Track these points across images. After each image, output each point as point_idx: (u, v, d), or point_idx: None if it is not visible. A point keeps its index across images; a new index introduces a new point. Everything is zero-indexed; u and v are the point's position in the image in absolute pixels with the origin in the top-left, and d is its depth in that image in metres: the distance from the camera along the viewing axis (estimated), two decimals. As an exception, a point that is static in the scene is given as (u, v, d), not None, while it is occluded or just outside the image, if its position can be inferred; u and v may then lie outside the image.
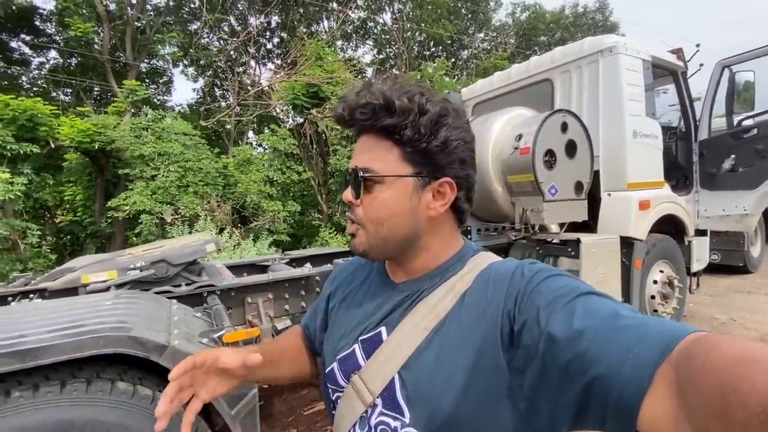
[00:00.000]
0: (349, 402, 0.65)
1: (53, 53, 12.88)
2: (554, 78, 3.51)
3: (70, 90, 12.60)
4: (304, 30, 13.88)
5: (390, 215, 0.63)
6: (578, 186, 2.75)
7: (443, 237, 0.68)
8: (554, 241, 2.95)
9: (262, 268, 2.95)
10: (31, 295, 1.95)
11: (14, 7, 11.01)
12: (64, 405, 1.15)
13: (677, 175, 4.06)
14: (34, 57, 12.77)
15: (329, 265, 2.51)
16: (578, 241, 2.63)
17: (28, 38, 12.10)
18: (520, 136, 2.59)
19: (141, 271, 1.83)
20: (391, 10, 16.91)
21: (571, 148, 2.69)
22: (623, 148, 3.09)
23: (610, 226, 3.08)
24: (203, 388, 0.65)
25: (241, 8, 13.98)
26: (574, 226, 3.09)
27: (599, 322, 0.45)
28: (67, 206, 10.33)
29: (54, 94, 12.49)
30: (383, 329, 0.65)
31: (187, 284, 2.01)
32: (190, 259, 2.00)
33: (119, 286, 1.88)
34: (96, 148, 8.69)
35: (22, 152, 7.75)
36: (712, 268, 5.65)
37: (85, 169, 10.07)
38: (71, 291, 1.85)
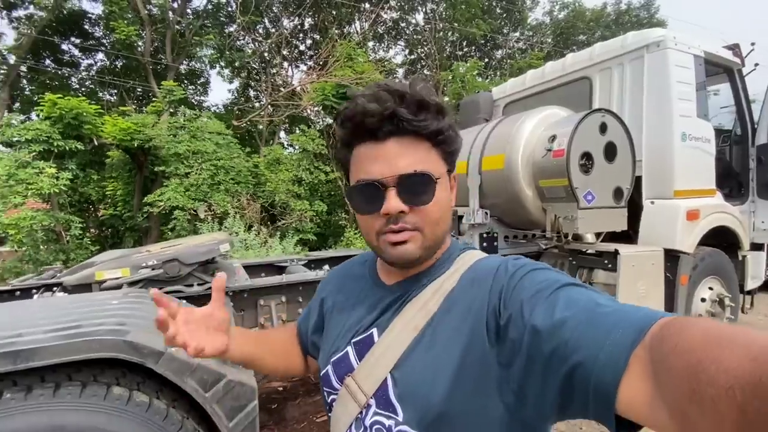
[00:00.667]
0: (343, 404, 0.65)
1: (100, 55, 13.61)
2: (593, 76, 3.28)
3: (115, 90, 13.27)
4: (337, 31, 13.97)
5: (444, 213, 0.64)
6: (617, 192, 2.53)
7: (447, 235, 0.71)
8: (589, 251, 2.73)
9: (281, 269, 2.90)
10: (55, 288, 1.97)
11: (65, 11, 11.68)
12: (56, 409, 1.10)
13: (731, 182, 3.70)
14: (83, 59, 13.53)
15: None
16: (616, 252, 2.41)
17: (77, 41, 12.81)
18: (553, 137, 2.40)
19: (153, 269, 1.80)
20: (423, 10, 16.77)
21: (610, 151, 2.47)
22: (671, 152, 2.82)
23: (653, 237, 2.82)
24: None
25: (275, 11, 14.24)
26: (612, 237, 2.85)
27: (579, 312, 0.46)
28: (109, 201, 10.85)
29: (100, 94, 13.18)
30: (375, 331, 0.66)
31: (199, 284, 1.97)
32: (203, 259, 1.96)
33: (132, 283, 1.86)
34: (135, 145, 9.06)
35: (67, 149, 8.18)
36: (769, 286, 5.14)
37: (126, 165, 10.55)
38: (86, 287, 1.85)
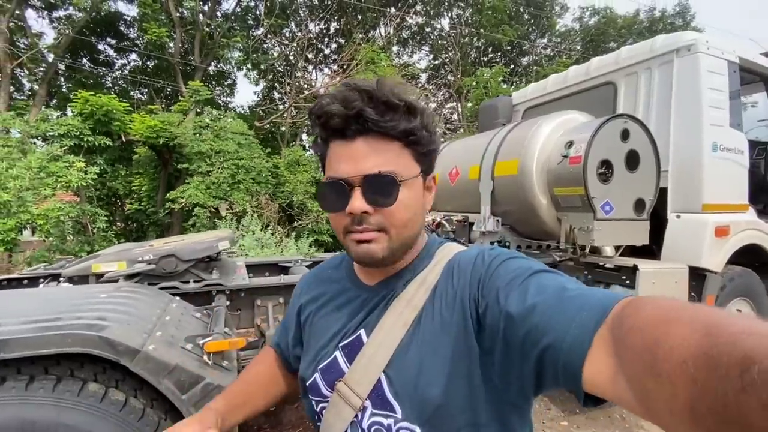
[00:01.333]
0: (336, 410, 0.64)
1: (133, 55, 14.13)
2: (618, 81, 3.12)
3: (146, 89, 13.74)
4: (361, 36, 14.05)
5: (412, 215, 0.63)
6: (639, 204, 2.37)
7: (421, 232, 0.70)
8: (607, 265, 2.57)
9: (285, 269, 2.87)
10: (62, 279, 1.99)
11: (102, 12, 12.19)
12: (27, 403, 1.08)
13: (765, 198, 3.45)
14: (117, 59, 14.08)
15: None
16: (635, 268, 2.25)
17: (112, 41, 13.34)
18: (570, 143, 2.27)
19: (148, 264, 1.79)
20: (449, 15, 16.68)
21: (632, 160, 2.32)
22: (700, 162, 2.64)
23: (678, 253, 2.64)
24: None
25: (302, 14, 14.45)
26: (633, 251, 2.68)
27: (548, 297, 0.48)
28: (135, 196, 11.19)
29: (132, 92, 13.68)
30: (362, 332, 0.66)
31: (195, 281, 1.94)
32: (200, 256, 1.94)
33: (130, 277, 1.85)
34: (161, 143, 9.33)
35: (97, 144, 8.48)
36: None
37: (151, 162, 10.88)
38: (84, 279, 1.85)
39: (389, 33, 14.66)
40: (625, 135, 2.29)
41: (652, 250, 2.75)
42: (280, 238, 8.17)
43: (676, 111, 2.73)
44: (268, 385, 0.83)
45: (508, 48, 16.34)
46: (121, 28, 13.39)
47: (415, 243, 0.68)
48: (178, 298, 1.75)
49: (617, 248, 2.68)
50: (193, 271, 1.97)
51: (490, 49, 16.71)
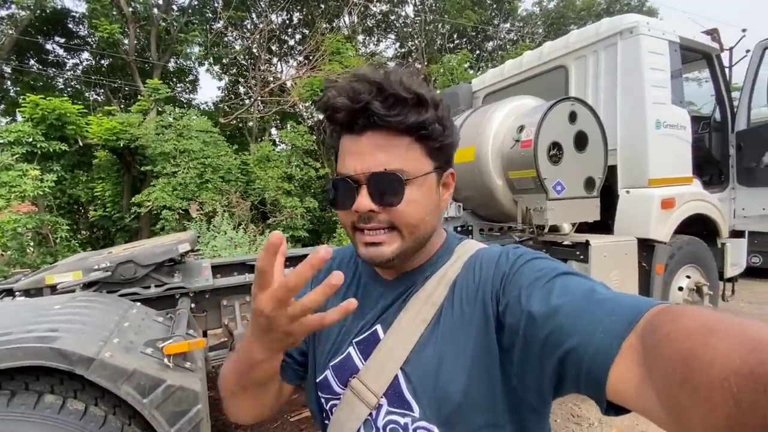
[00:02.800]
0: (349, 408, 0.62)
1: (86, 54, 13.42)
2: (569, 64, 3.23)
3: (102, 90, 13.11)
4: (326, 26, 13.81)
5: (425, 215, 0.61)
6: (589, 182, 2.50)
7: (438, 229, 0.68)
8: (564, 243, 2.70)
9: (252, 268, 2.86)
10: (17, 293, 1.93)
11: (48, 10, 11.50)
12: (-20, 420, 1.07)
13: (711, 170, 3.68)
14: (68, 59, 13.34)
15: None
16: (587, 243, 2.38)
17: (62, 40, 12.62)
18: (521, 128, 2.36)
19: (105, 272, 1.76)
20: (413, 2, 16.60)
21: (580, 141, 2.43)
22: (644, 140, 2.79)
23: (629, 226, 2.79)
24: None
25: (263, 5, 14.06)
26: (591, 227, 2.82)
27: (575, 299, 0.47)
28: (98, 202, 10.76)
29: (87, 94, 13.03)
30: (379, 327, 0.64)
31: (157, 286, 1.93)
32: (160, 260, 1.92)
33: (87, 286, 1.82)
34: (121, 145, 8.97)
35: (51, 150, 8.08)
36: (753, 272, 5.16)
37: (113, 166, 10.46)
38: (39, 291, 1.80)
39: (354, 22, 14.48)
40: (572, 117, 2.39)
41: (608, 225, 2.90)
42: (254, 236, 8.07)
43: (622, 91, 2.86)
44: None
45: (473, 33, 16.46)
46: (70, 26, 12.66)
47: (430, 240, 0.66)
48: (138, 303, 1.74)
49: (573, 225, 2.81)
50: (153, 275, 1.95)
51: (455, 36, 16.77)
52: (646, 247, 2.70)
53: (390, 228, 0.59)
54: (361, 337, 0.65)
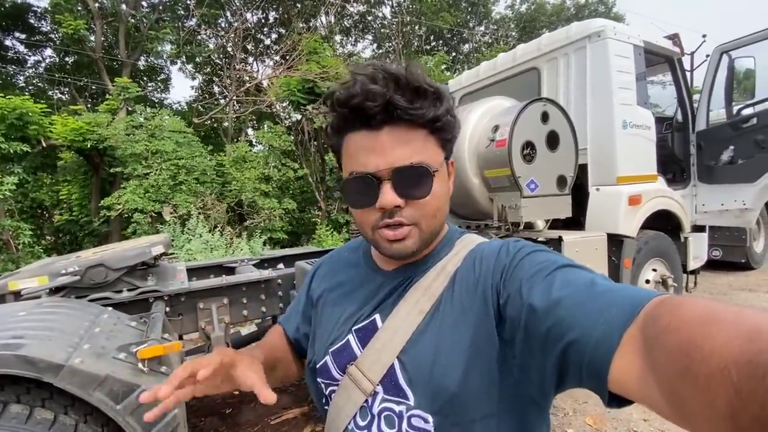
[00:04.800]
0: (346, 393, 0.63)
1: (49, 51, 12.84)
2: (541, 66, 3.33)
3: (66, 89, 12.57)
4: (302, 25, 13.69)
5: (442, 204, 0.63)
6: (561, 180, 2.58)
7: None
8: (538, 239, 2.78)
9: (230, 270, 2.82)
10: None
11: (7, 4, 10.94)
12: (-61, 434, 1.01)
13: (674, 168, 3.86)
14: (29, 56, 12.73)
15: (292, 268, 2.36)
16: (560, 239, 2.46)
17: (22, 36, 12.03)
18: (496, 128, 2.41)
19: (73, 276, 1.70)
20: (390, 3, 16.66)
21: (552, 140, 2.51)
22: (612, 139, 2.90)
23: (599, 222, 2.90)
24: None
25: (237, 3, 13.80)
26: (564, 223, 2.91)
27: (575, 291, 0.47)
28: (64, 205, 10.31)
29: (50, 92, 12.46)
30: (377, 316, 0.65)
31: (129, 290, 1.87)
32: (132, 263, 1.86)
33: (55, 291, 1.75)
34: (88, 146, 8.62)
35: (12, 151, 7.68)
36: (713, 265, 5.44)
37: (80, 167, 10.04)
38: (1, 298, 1.72)
39: (330, 22, 14.41)
40: (545, 117, 2.46)
41: (579, 221, 3.00)
42: (230, 239, 7.92)
43: (591, 92, 2.97)
44: (286, 359, 0.80)
45: (449, 36, 16.67)
46: (32, 21, 12.08)
47: (441, 230, 0.67)
48: (110, 308, 1.68)
49: (546, 222, 2.89)
50: (126, 279, 1.89)
51: (431, 37, 16.95)
52: (615, 242, 2.81)
53: (411, 223, 0.60)
54: (360, 325, 0.66)
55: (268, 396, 0.52)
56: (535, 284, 0.51)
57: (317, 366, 0.69)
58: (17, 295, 1.74)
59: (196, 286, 2.04)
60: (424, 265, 0.66)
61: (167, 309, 1.95)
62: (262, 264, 2.98)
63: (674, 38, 3.61)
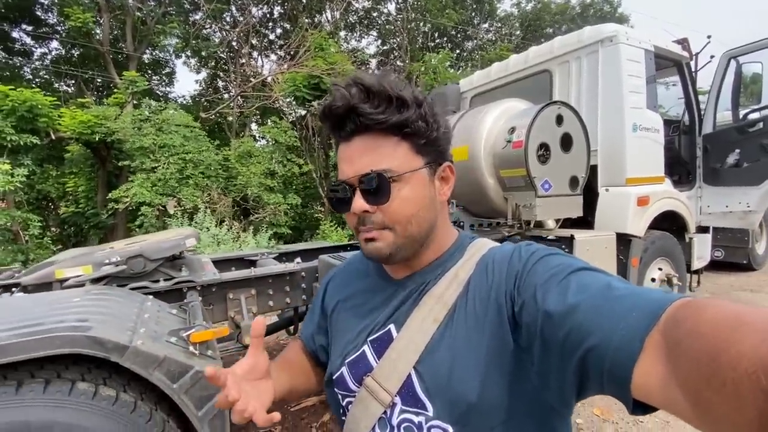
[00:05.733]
0: (363, 405, 0.63)
1: (55, 44, 12.87)
2: (553, 69, 3.41)
3: (73, 81, 12.60)
4: (307, 20, 13.71)
5: (416, 210, 0.62)
6: (573, 181, 2.67)
7: (446, 226, 0.70)
8: (549, 237, 2.87)
9: (251, 263, 2.91)
10: (14, 289, 1.92)
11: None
12: (20, 406, 1.11)
13: (680, 170, 3.95)
14: (35, 48, 12.76)
15: (315, 261, 2.46)
16: (572, 237, 2.55)
17: (29, 28, 12.06)
18: (513, 129, 2.50)
19: (116, 266, 1.79)
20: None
21: (566, 142, 2.60)
22: (622, 142, 2.99)
23: (608, 222, 2.99)
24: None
25: (243, -2, 13.81)
26: (573, 222, 3.01)
27: (592, 296, 0.46)
28: (70, 198, 10.38)
29: (56, 85, 12.50)
30: (392, 326, 0.65)
31: (165, 280, 1.97)
32: (168, 254, 1.96)
33: (96, 280, 1.84)
34: (97, 139, 8.70)
35: (22, 143, 7.76)
36: (716, 265, 5.54)
37: (87, 160, 10.10)
38: (47, 286, 1.81)
39: (336, 17, 14.43)
40: (559, 120, 2.55)
41: (587, 220, 3.09)
42: (237, 233, 8.01)
43: (603, 96, 3.06)
44: (302, 371, 0.80)
45: (454, 33, 16.69)
46: (38, 13, 12.09)
47: (433, 237, 0.67)
48: (151, 296, 1.78)
49: (558, 221, 2.98)
50: (161, 269, 1.98)
51: (436, 34, 16.96)
52: (624, 241, 2.90)
53: (382, 227, 0.62)
54: (376, 335, 0.66)
55: (262, 420, 0.55)
56: (550, 289, 0.50)
57: (333, 377, 0.70)
58: (61, 283, 1.84)
59: (227, 277, 2.13)
60: (435, 272, 0.66)
61: (199, 298, 2.05)
62: (280, 258, 3.07)
63: (683, 43, 3.69)
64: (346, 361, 0.68)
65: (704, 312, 0.35)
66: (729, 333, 0.31)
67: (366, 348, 0.66)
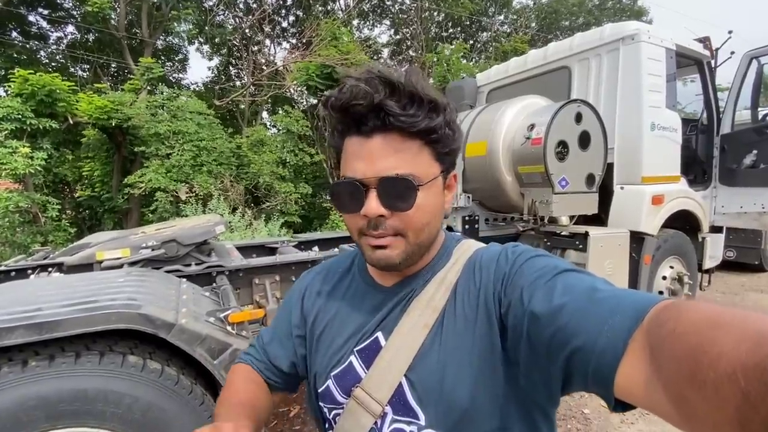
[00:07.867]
0: (353, 417, 0.61)
1: (71, 28, 12.97)
2: (572, 66, 3.41)
3: (88, 66, 12.73)
4: (320, 8, 13.65)
5: (431, 219, 0.61)
6: (590, 179, 2.71)
7: (441, 232, 0.69)
8: (563, 233, 2.92)
9: (271, 250, 3.01)
10: (50, 269, 2.04)
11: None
12: (79, 375, 1.21)
13: (696, 169, 3.95)
14: (51, 32, 12.87)
15: (336, 250, 2.54)
16: (586, 234, 2.60)
17: (45, 12, 12.16)
18: (532, 126, 2.54)
19: (153, 250, 1.89)
20: (410, -12, 16.47)
21: (584, 140, 2.63)
22: (640, 140, 3.01)
23: (622, 220, 3.03)
24: None
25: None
26: (586, 219, 3.05)
27: (577, 297, 0.47)
28: (86, 181, 10.57)
29: (72, 69, 12.63)
30: (379, 334, 0.64)
31: (197, 264, 2.06)
32: (200, 240, 2.05)
33: (132, 263, 1.94)
34: (113, 125, 8.82)
35: (41, 127, 7.91)
36: (727, 265, 5.55)
37: (103, 145, 10.25)
38: (86, 266, 1.92)
39: (349, 6, 14.34)
40: (578, 118, 2.58)
41: (600, 217, 3.13)
42: (250, 220, 8.14)
43: (622, 94, 3.07)
44: (266, 409, 0.72)
45: (468, 23, 16.50)
46: (55, -3, 12.17)
47: (433, 242, 0.66)
48: (184, 279, 1.88)
49: (571, 218, 3.03)
50: (193, 254, 2.08)
51: (450, 24, 16.78)
52: (637, 239, 2.94)
53: (395, 234, 0.59)
54: (362, 345, 0.64)
55: None
56: (536, 291, 0.50)
57: (319, 391, 0.67)
58: (100, 264, 1.94)
59: (254, 263, 2.23)
60: (424, 278, 0.64)
61: (228, 283, 2.14)
62: (299, 246, 3.16)
63: (705, 41, 3.66)
64: (332, 374, 0.66)
65: (686, 313, 0.36)
66: (709, 334, 0.32)
67: (353, 358, 0.64)
